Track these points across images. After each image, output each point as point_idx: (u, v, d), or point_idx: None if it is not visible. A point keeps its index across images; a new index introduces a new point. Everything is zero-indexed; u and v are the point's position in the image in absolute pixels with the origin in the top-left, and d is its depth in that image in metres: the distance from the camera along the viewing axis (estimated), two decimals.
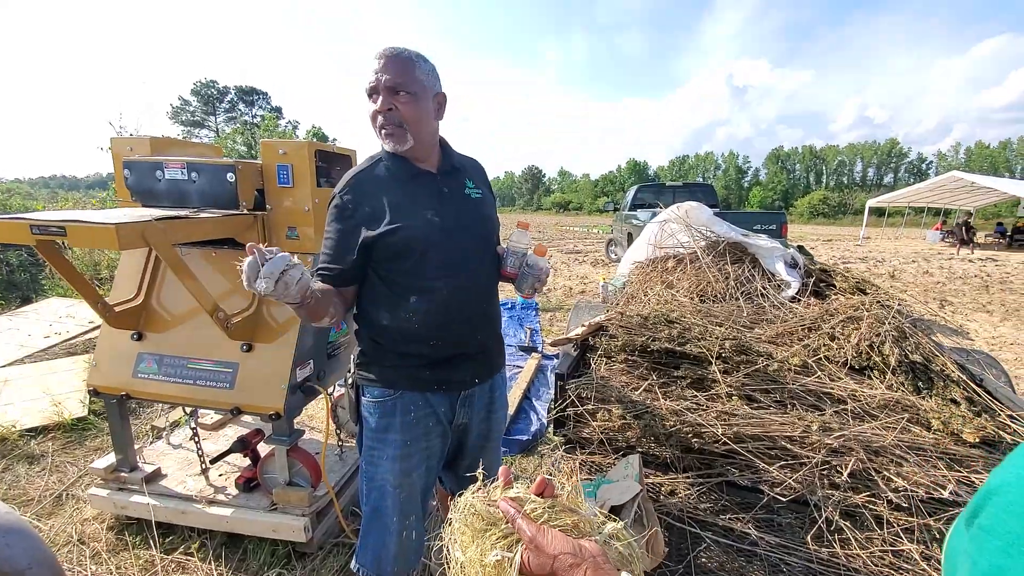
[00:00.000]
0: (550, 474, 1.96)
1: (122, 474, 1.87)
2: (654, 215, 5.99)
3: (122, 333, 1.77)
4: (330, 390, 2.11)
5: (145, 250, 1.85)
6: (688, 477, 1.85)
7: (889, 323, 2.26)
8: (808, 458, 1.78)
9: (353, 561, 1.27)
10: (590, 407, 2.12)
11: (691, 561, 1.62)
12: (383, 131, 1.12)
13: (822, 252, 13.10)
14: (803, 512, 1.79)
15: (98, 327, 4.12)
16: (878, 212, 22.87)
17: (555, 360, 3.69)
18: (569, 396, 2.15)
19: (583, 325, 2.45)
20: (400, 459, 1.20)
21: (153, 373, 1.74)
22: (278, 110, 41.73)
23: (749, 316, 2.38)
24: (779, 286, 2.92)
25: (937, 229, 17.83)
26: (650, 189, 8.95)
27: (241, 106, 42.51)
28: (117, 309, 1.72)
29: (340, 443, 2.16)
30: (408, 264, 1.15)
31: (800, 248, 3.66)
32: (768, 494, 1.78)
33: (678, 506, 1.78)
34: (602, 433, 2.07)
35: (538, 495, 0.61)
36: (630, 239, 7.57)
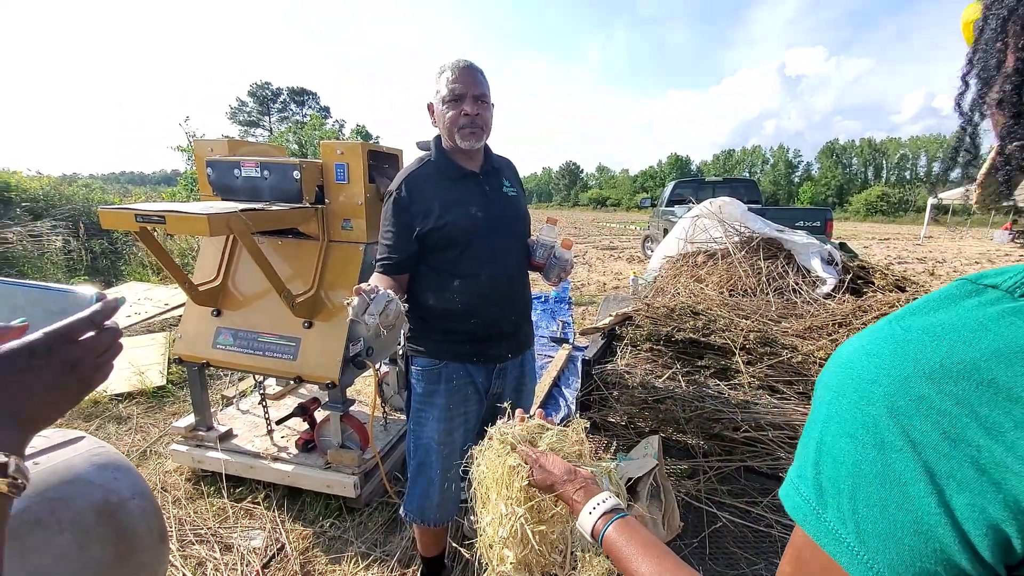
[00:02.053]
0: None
1: (200, 432, 2.16)
2: (688, 212, 5.98)
3: (204, 309, 2.04)
4: (377, 367, 2.33)
5: (223, 237, 2.12)
6: (708, 461, 1.94)
7: None
8: None
9: (401, 509, 1.47)
10: (615, 392, 2.24)
11: (706, 538, 1.71)
12: (467, 130, 1.27)
13: (876, 252, 12.42)
14: None
15: (172, 309, 4.58)
16: (942, 209, 21.33)
17: (585, 351, 3.81)
18: (595, 381, 2.27)
19: (611, 315, 2.56)
20: (444, 420, 1.38)
21: (229, 345, 2.00)
22: (326, 110, 43.42)
23: (777, 310, 2.42)
24: (814, 283, 2.91)
25: (1006, 229, 16.45)
26: (688, 185, 8.81)
27: (292, 106, 44.54)
28: (200, 288, 1.99)
29: (385, 415, 2.38)
30: (453, 254, 1.32)
31: (842, 245, 3.60)
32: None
33: (697, 487, 1.88)
34: (625, 417, 2.19)
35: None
36: (666, 235, 7.52)
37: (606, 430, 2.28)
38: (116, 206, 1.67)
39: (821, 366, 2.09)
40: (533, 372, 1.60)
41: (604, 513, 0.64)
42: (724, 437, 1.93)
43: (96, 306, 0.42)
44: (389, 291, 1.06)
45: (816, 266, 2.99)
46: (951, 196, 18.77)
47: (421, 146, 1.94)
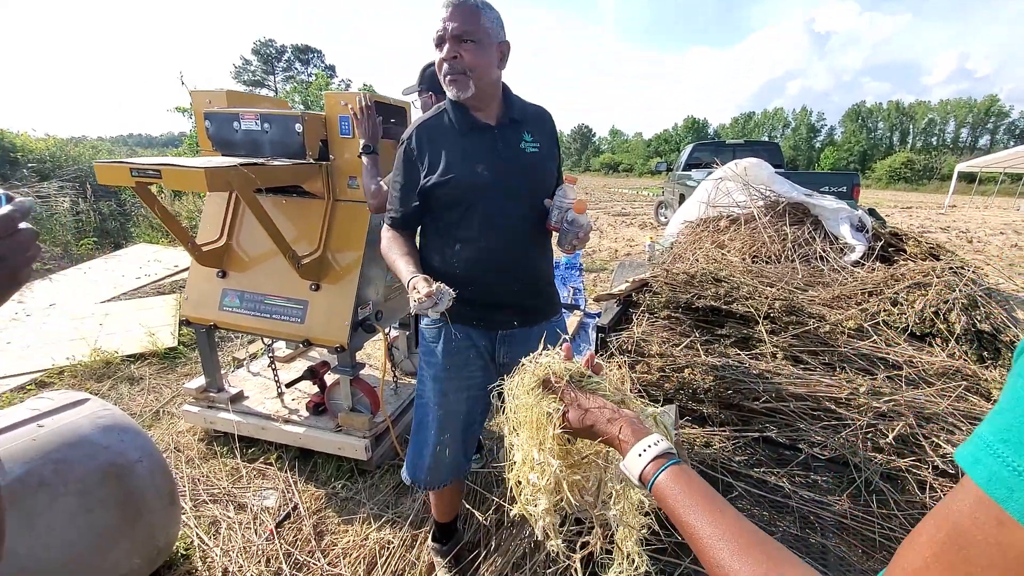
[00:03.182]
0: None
1: (211, 394, 2.15)
2: (710, 175, 5.73)
3: (209, 271, 1.98)
4: (387, 331, 2.29)
5: (226, 196, 2.04)
6: (724, 431, 1.89)
7: (960, 290, 2.13)
8: (853, 420, 1.76)
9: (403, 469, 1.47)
10: (629, 360, 2.17)
11: None
12: (447, 78, 1.15)
13: (898, 220, 12.03)
14: (842, 472, 1.79)
15: (182, 271, 4.57)
16: (968, 178, 20.48)
17: (596, 319, 3.74)
18: (610, 349, 2.21)
19: (627, 281, 2.47)
20: (441, 380, 1.34)
21: (236, 307, 1.95)
22: (331, 68, 42.11)
23: (804, 278, 2.30)
24: (842, 250, 2.78)
25: None
26: (707, 147, 8.46)
27: (297, 65, 43.31)
28: (204, 249, 1.92)
29: (395, 379, 2.35)
30: (456, 215, 1.23)
31: (871, 211, 3.43)
32: (807, 452, 1.79)
33: (712, 456, 1.83)
34: (641, 385, 2.13)
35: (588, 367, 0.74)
36: (683, 201, 7.28)
37: None
38: (112, 160, 1.59)
39: (850, 337, 2.00)
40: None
41: (656, 457, 0.58)
42: (742, 407, 1.87)
43: (9, 207, 0.44)
44: (450, 289, 1.04)
45: (845, 232, 2.85)
46: (978, 164, 18.01)
47: (406, 92, 1.81)
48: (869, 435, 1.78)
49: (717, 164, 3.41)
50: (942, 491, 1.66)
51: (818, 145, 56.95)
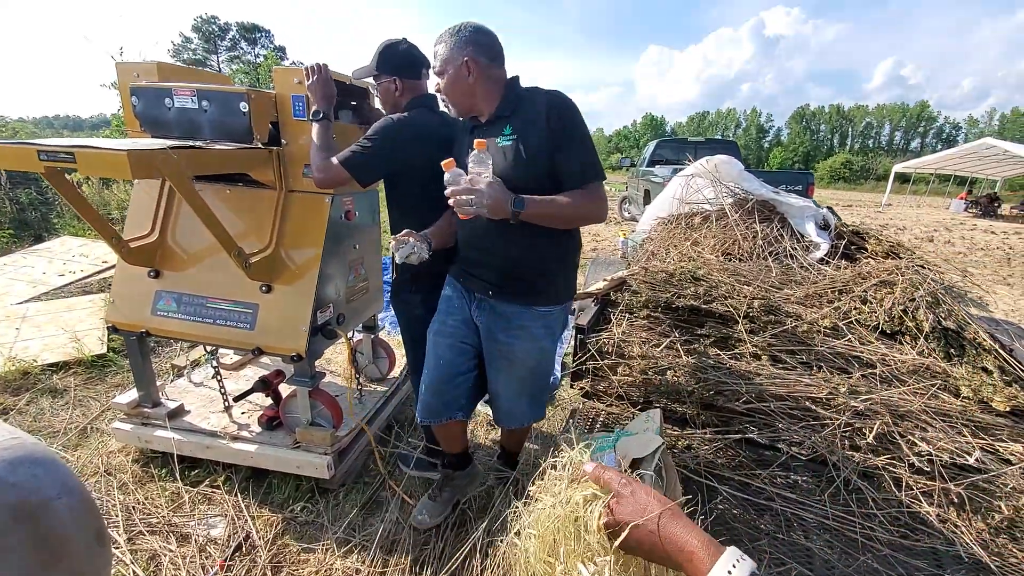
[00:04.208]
0: (566, 430, 1.96)
1: (145, 409, 1.90)
2: (675, 171, 5.78)
3: (139, 270, 1.73)
4: (350, 335, 2.10)
5: (158, 184, 1.79)
6: (706, 433, 1.85)
7: (924, 288, 2.18)
8: (831, 420, 1.76)
9: None
10: (609, 362, 2.10)
11: (706, 512, 1.63)
12: (446, 104, 1.40)
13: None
14: (821, 472, 1.79)
15: (112, 267, 4.12)
16: (902, 178, 22.05)
17: (575, 317, 3.67)
18: (589, 350, 2.12)
19: (604, 280, 2.39)
20: (427, 312, 1.62)
21: (172, 311, 1.72)
22: (281, 50, 39.97)
23: (778, 276, 2.30)
24: (807, 247, 2.82)
25: (962, 199, 17.19)
26: (670, 145, 8.60)
27: (243, 44, 40.74)
28: (132, 245, 1.67)
29: (360, 387, 2.17)
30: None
31: (830, 210, 3.52)
32: (787, 452, 1.78)
33: (694, 460, 1.79)
34: (621, 387, 2.06)
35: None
36: (647, 196, 7.36)
37: (600, 400, 2.16)
38: (15, 141, 1.33)
39: (826, 335, 2.00)
40: (524, 337, 1.45)
41: None
42: (723, 408, 1.83)
43: None
44: (421, 246, 1.36)
45: (810, 230, 2.90)
46: (912, 165, 19.40)
47: (358, 74, 1.67)
48: (846, 434, 1.78)
49: (689, 160, 3.40)
50: (917, 489, 1.69)
51: (766, 145, 59.79)
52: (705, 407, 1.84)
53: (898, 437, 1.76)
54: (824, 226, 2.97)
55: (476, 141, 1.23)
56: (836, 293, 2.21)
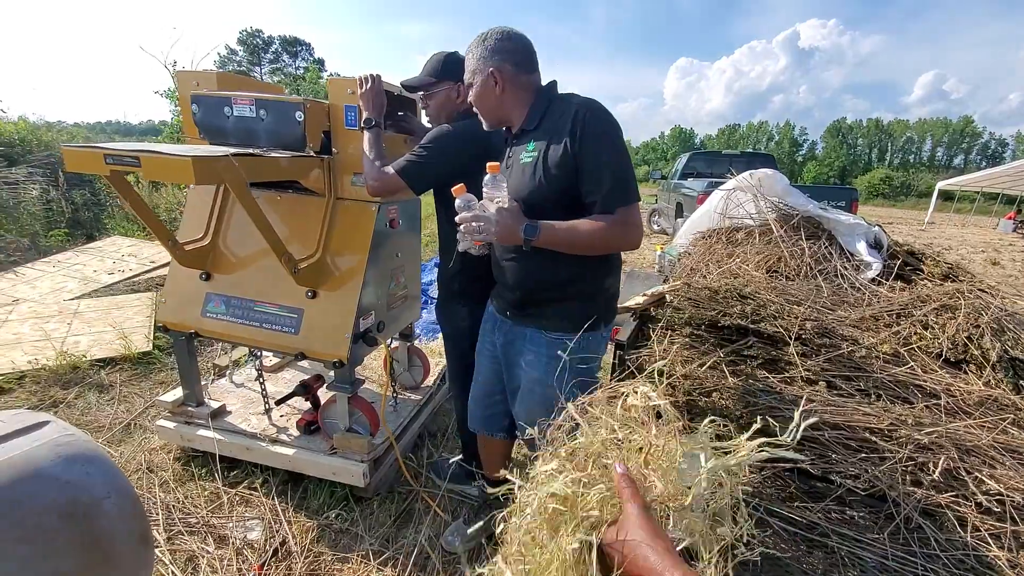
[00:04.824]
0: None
1: (189, 408, 1.94)
2: (710, 184, 5.66)
3: (190, 272, 1.78)
4: (388, 342, 2.11)
5: (211, 190, 1.84)
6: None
7: (988, 314, 2.05)
8: (892, 452, 1.65)
9: None
10: (650, 380, 2.03)
11: (753, 547, 1.55)
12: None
13: None
14: (879, 508, 1.67)
15: (160, 267, 4.29)
16: (946, 196, 21.09)
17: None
18: (629, 367, 2.06)
19: (643, 295, 2.34)
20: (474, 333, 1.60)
21: (221, 313, 1.75)
22: (320, 62, 41.40)
23: (830, 297, 2.20)
24: (858, 267, 2.70)
25: (1010, 218, 16.30)
26: (703, 157, 8.46)
27: (285, 57, 42.47)
28: (187, 248, 1.72)
29: (395, 395, 2.17)
30: None
31: (880, 228, 3.37)
32: (842, 485, 1.67)
33: (742, 489, 1.70)
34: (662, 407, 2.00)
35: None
36: (679, 209, 7.24)
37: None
38: (84, 144, 1.38)
39: (885, 362, 1.89)
40: (532, 361, 1.34)
41: None
42: (772, 434, 1.75)
43: None
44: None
45: (861, 249, 2.77)
46: (957, 183, 18.54)
47: (411, 84, 1.66)
48: (908, 468, 1.67)
49: (732, 174, 3.31)
50: (985, 530, 1.56)
51: (800, 159, 58.27)
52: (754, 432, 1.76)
53: (964, 474, 1.64)
54: (876, 245, 2.84)
55: (489, 164, 1.17)
56: (894, 317, 2.10)
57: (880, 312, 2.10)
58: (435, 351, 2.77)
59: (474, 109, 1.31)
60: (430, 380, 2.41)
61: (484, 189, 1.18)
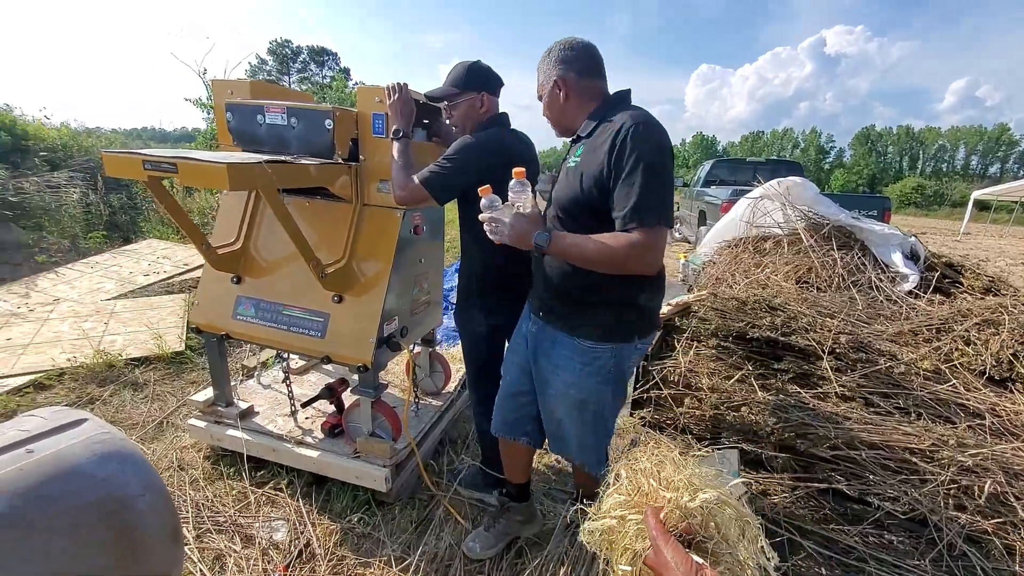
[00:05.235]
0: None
1: (219, 408, 1.98)
2: (735, 192, 5.56)
3: (223, 275, 1.82)
4: (411, 347, 2.12)
5: (244, 196, 1.88)
6: (784, 478, 1.70)
7: None
8: (934, 475, 1.58)
9: None
10: (674, 391, 2.00)
11: (788, 570, 1.49)
12: None
13: None
14: (920, 533, 1.60)
15: (193, 269, 4.42)
16: (981, 206, 20.24)
17: None
18: (653, 378, 2.03)
19: (667, 304, 2.30)
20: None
21: (251, 316, 1.79)
22: (346, 72, 42.38)
23: (865, 310, 2.12)
24: (894, 279, 2.60)
25: None
26: (726, 165, 8.33)
27: (312, 66, 43.63)
28: (219, 252, 1.77)
29: (417, 400, 2.18)
30: None
31: (916, 238, 3.25)
32: (880, 508, 1.60)
33: (773, 508, 1.65)
34: (686, 420, 1.95)
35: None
36: (702, 217, 7.13)
37: (661, 431, 2.05)
38: (123, 151, 1.43)
39: (926, 379, 1.81)
40: (558, 364, 1.33)
41: None
42: (806, 453, 1.69)
43: None
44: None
45: (897, 260, 2.67)
46: (994, 192, 17.77)
47: (435, 94, 1.68)
48: (951, 492, 1.59)
49: (760, 182, 3.24)
50: None
51: (827, 167, 56.82)
52: (784, 449, 1.70)
53: (1013, 499, 1.55)
54: (912, 256, 2.74)
55: (515, 170, 1.18)
56: (933, 331, 2.01)
57: (919, 326, 2.02)
58: (456, 357, 2.78)
59: (548, 118, 1.36)
60: (451, 386, 2.42)
61: (510, 193, 1.20)
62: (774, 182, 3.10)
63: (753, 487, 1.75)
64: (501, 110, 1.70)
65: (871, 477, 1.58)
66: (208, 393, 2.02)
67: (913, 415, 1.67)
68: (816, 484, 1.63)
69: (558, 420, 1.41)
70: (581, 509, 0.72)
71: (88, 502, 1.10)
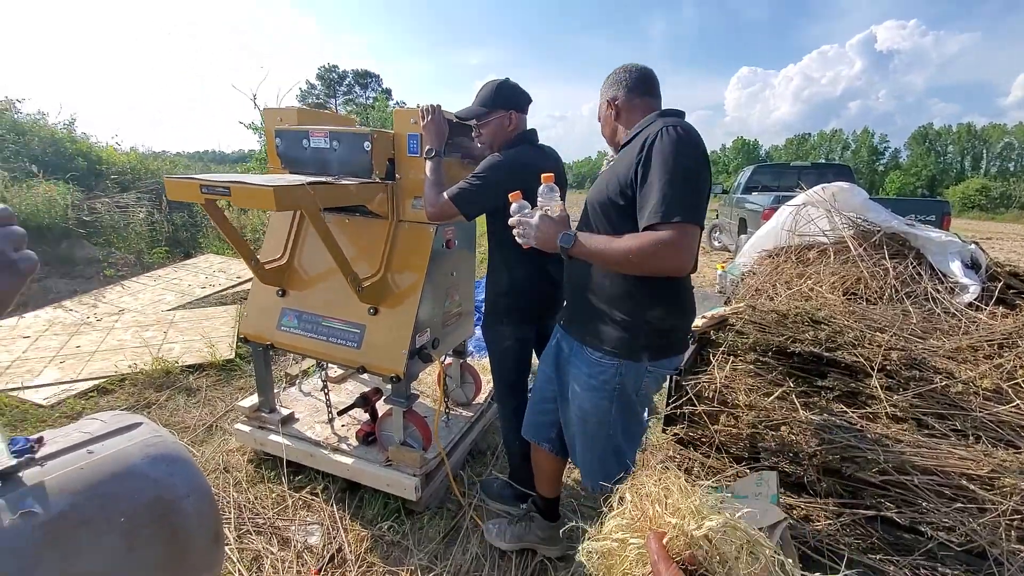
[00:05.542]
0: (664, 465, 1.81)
1: (263, 414, 2.09)
2: (777, 199, 5.35)
3: (269, 289, 1.94)
4: (442, 359, 2.16)
5: (290, 214, 2.00)
6: (828, 503, 1.61)
7: None
8: (994, 503, 1.45)
9: None
10: (708, 408, 1.94)
11: None
12: None
13: None
14: (978, 566, 1.47)
15: (244, 282, 4.70)
16: None
17: None
18: (686, 393, 1.98)
19: (703, 317, 2.24)
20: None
21: (293, 327, 1.89)
22: (388, 92, 44.07)
23: (919, 324, 1.99)
24: (952, 289, 2.43)
25: None
26: (769, 170, 8.04)
27: (357, 89, 45.70)
28: (267, 267, 1.88)
29: (447, 411, 2.22)
30: None
31: (978, 246, 3.03)
32: (934, 538, 1.49)
33: (814, 535, 1.56)
34: (721, 438, 1.89)
35: None
36: (742, 225, 6.90)
37: (695, 448, 1.99)
38: (182, 176, 1.56)
39: (986, 399, 1.68)
40: (578, 391, 1.33)
41: None
42: (852, 477, 1.59)
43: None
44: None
45: (956, 270, 2.49)
46: None
47: (465, 114, 1.72)
48: (1013, 522, 1.46)
49: (802, 187, 3.12)
50: None
51: (881, 169, 53.63)
52: (827, 472, 1.61)
53: None
54: (972, 265, 2.55)
55: (543, 175, 1.23)
56: (995, 347, 1.86)
57: (979, 342, 1.87)
58: (487, 368, 2.80)
59: (605, 136, 1.43)
60: (481, 397, 2.44)
61: (538, 198, 1.24)
62: (819, 187, 2.97)
63: (794, 512, 1.67)
64: (530, 126, 1.75)
65: (924, 504, 1.47)
66: (253, 399, 2.13)
67: (971, 438, 1.54)
68: (863, 511, 1.53)
69: (572, 434, 1.44)
70: (581, 527, 0.71)
71: (141, 501, 1.18)
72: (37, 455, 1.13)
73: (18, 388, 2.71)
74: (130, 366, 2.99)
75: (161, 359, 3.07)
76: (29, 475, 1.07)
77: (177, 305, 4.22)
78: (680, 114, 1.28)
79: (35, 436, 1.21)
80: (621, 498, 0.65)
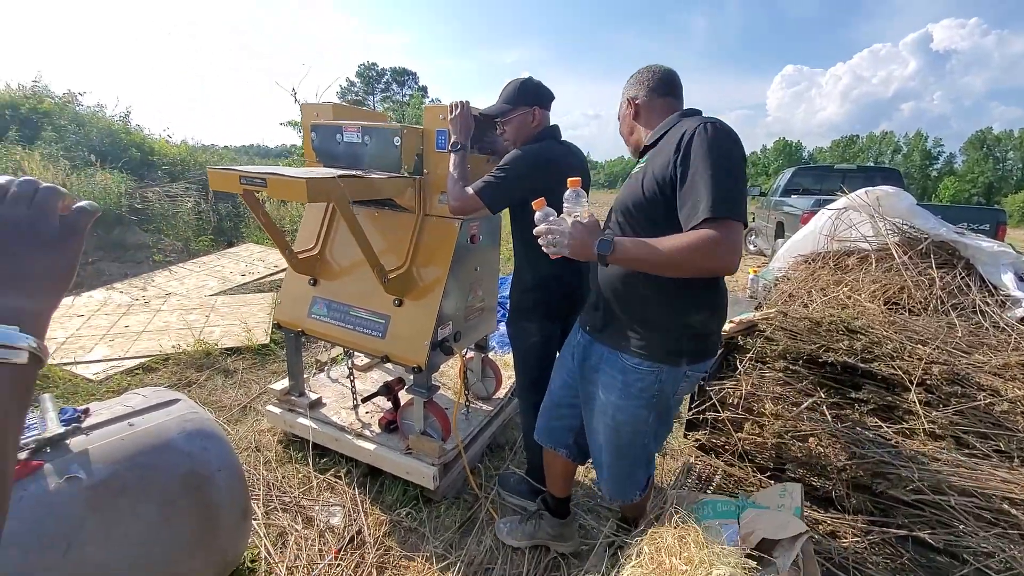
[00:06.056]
0: (678, 485, 1.79)
1: (292, 398, 2.18)
2: (817, 202, 5.13)
3: (302, 278, 2.01)
4: (464, 352, 2.19)
5: (323, 206, 2.07)
6: (857, 520, 1.55)
7: None
8: None
9: None
10: (732, 415, 1.89)
11: None
12: None
13: None
14: None
15: (281, 271, 4.88)
16: None
17: None
18: (710, 398, 1.94)
19: (731, 322, 2.18)
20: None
21: (323, 315, 1.96)
22: (424, 89, 44.70)
23: (965, 338, 1.88)
24: (1004, 303, 2.28)
25: None
26: (810, 172, 7.71)
27: (394, 86, 46.63)
28: (300, 256, 1.95)
29: (467, 404, 2.25)
30: None
31: None
32: (970, 563, 1.41)
33: (840, 552, 1.50)
34: (745, 447, 1.84)
35: None
36: (780, 229, 6.66)
37: (717, 455, 1.95)
38: (223, 167, 1.64)
39: None
40: (606, 399, 1.30)
41: None
42: (883, 494, 1.52)
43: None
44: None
45: (1008, 282, 2.34)
46: None
47: (491, 111, 1.72)
48: None
49: (843, 190, 2.99)
50: None
51: (934, 174, 50.46)
52: (857, 487, 1.55)
53: None
54: None
55: (570, 180, 1.16)
56: None
57: None
58: (508, 364, 2.82)
59: (622, 136, 1.43)
60: (501, 392, 2.46)
61: (565, 204, 1.18)
62: (861, 191, 2.83)
63: (820, 527, 1.61)
64: (564, 124, 1.75)
65: (960, 527, 1.39)
66: (284, 383, 2.22)
67: (1016, 460, 1.45)
68: (894, 530, 1.47)
69: (599, 445, 1.38)
70: (622, 527, 0.71)
71: (176, 474, 1.26)
72: (83, 424, 1.23)
73: (71, 363, 2.91)
74: (174, 346, 3.16)
75: (202, 341, 3.24)
76: (76, 443, 1.17)
77: (219, 291, 4.43)
78: (699, 114, 1.26)
79: (82, 407, 1.31)
80: (639, 551, 0.64)
